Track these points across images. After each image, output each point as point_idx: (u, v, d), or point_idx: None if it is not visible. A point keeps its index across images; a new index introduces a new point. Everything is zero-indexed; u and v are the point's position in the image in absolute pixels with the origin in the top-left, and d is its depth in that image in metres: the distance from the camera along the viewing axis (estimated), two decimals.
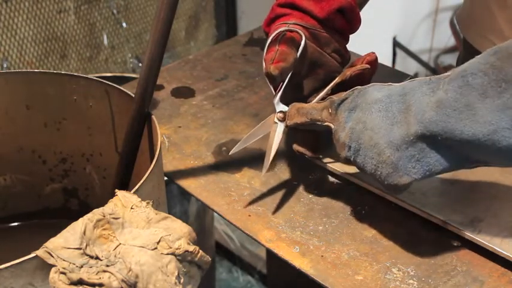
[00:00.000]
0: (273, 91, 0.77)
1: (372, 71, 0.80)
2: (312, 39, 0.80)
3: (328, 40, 0.81)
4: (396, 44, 2.26)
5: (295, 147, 0.78)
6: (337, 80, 0.78)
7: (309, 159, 0.85)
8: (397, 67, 2.24)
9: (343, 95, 0.71)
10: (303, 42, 0.77)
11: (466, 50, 1.03)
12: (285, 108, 0.77)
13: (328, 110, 0.71)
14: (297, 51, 0.77)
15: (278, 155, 0.86)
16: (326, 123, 0.71)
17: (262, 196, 0.80)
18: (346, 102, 0.70)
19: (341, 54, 0.83)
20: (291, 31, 0.78)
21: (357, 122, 0.68)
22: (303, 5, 0.79)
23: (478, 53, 0.96)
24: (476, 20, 0.97)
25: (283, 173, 0.84)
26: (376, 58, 0.80)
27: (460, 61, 1.06)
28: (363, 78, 0.78)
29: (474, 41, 0.98)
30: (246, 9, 2.15)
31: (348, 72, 0.78)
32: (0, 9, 1.56)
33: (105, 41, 1.84)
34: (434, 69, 2.40)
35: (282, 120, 0.76)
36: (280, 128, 0.77)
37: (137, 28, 1.92)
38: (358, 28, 0.83)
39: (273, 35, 0.77)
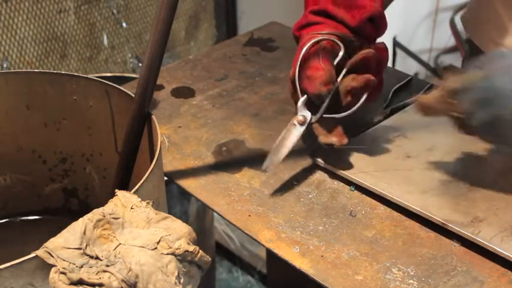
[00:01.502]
0: (299, 95, 0.79)
1: (380, 57, 0.80)
2: (344, 48, 0.80)
3: (358, 48, 0.82)
4: (396, 44, 2.25)
5: (322, 139, 0.79)
6: (344, 70, 0.79)
7: (313, 162, 0.86)
8: (397, 67, 2.24)
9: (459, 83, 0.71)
10: (341, 54, 0.79)
11: (471, 50, 1.02)
12: (307, 113, 0.79)
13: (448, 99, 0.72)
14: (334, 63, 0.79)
15: None
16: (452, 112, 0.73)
17: (262, 196, 0.80)
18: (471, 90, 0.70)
19: (372, 68, 0.84)
20: (329, 40, 0.78)
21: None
22: (336, 14, 0.80)
23: (483, 53, 0.96)
24: (481, 20, 0.97)
25: (283, 173, 0.84)
26: (384, 46, 0.81)
27: (466, 62, 1.05)
28: (368, 64, 0.79)
29: (480, 42, 0.97)
30: (246, 9, 2.15)
31: (352, 59, 0.79)
32: (0, 9, 1.56)
33: (105, 41, 1.84)
34: (435, 69, 2.40)
35: (302, 124, 0.79)
36: (298, 131, 0.79)
37: (137, 28, 1.91)
38: (384, 33, 0.84)
39: (310, 44, 0.78)
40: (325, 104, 0.79)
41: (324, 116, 0.79)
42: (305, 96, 0.79)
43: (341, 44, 0.79)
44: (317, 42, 0.78)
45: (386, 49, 0.82)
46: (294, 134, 0.79)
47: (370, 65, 0.79)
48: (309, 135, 0.90)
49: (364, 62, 0.79)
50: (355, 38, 0.81)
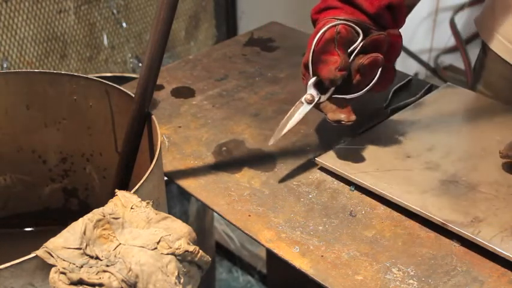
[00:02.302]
0: (310, 74, 0.80)
1: (392, 42, 0.80)
2: (362, 34, 0.80)
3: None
4: None
5: (331, 116, 0.79)
6: (355, 52, 0.80)
7: (313, 162, 0.86)
8: (397, 67, 2.24)
9: None
10: (359, 41, 0.79)
11: (484, 53, 1.02)
12: (315, 92, 0.80)
13: None
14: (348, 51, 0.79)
15: (280, 154, 0.86)
16: None
17: (262, 196, 0.80)
18: None
19: (382, 52, 0.84)
20: (345, 25, 0.78)
21: None
22: None
23: (498, 57, 0.96)
24: (497, 24, 0.96)
25: (283, 173, 0.84)
26: (399, 33, 0.81)
27: (478, 66, 1.05)
28: (379, 46, 0.79)
29: (494, 45, 0.97)
30: (246, 9, 2.15)
31: (364, 41, 0.79)
32: (0, 9, 1.56)
33: (105, 41, 1.84)
34: (435, 69, 2.40)
35: (309, 102, 0.80)
36: (305, 109, 0.80)
37: (137, 28, 1.92)
38: (402, 26, 0.84)
39: (325, 28, 0.78)
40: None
41: (334, 96, 0.80)
42: (316, 77, 0.80)
43: (359, 30, 0.79)
44: (333, 26, 0.78)
45: (400, 36, 0.81)
46: (300, 112, 0.81)
47: (381, 48, 0.79)
48: (310, 135, 0.90)
49: (375, 44, 0.79)
50: (373, 26, 0.80)
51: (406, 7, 0.83)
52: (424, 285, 0.67)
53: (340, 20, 0.79)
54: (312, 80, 0.80)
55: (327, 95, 0.80)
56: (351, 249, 0.72)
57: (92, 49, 1.81)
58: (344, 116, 0.79)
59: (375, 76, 0.79)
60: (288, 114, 0.81)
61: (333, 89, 0.80)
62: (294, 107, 0.81)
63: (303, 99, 0.81)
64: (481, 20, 1.02)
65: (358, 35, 0.79)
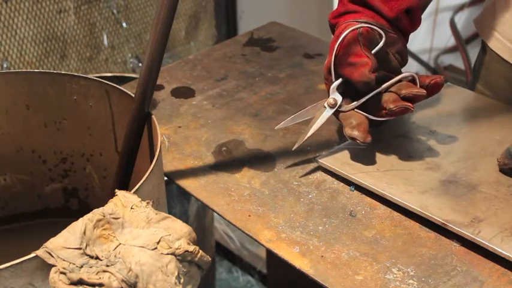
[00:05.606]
0: (333, 79, 0.80)
1: (429, 95, 0.81)
2: (384, 37, 0.81)
3: (395, 40, 0.82)
4: None
5: (348, 131, 0.80)
6: (391, 88, 0.80)
7: (313, 162, 0.86)
8: None
9: None
10: (381, 44, 0.79)
11: (483, 52, 1.01)
12: (338, 97, 0.81)
13: None
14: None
15: (280, 154, 0.86)
16: None
17: (262, 196, 0.80)
18: None
19: (402, 55, 0.84)
20: (367, 27, 0.79)
21: None
22: (374, 3, 0.80)
23: (498, 57, 0.96)
24: (497, 23, 0.96)
25: (283, 173, 0.84)
26: (442, 84, 0.81)
27: (477, 66, 1.05)
28: (415, 99, 0.79)
29: (494, 45, 0.97)
30: (246, 9, 2.15)
31: (403, 91, 0.79)
32: (0, 9, 1.56)
33: (105, 41, 1.84)
34: (435, 69, 2.40)
35: (332, 106, 0.81)
36: (327, 113, 0.81)
37: (137, 28, 1.91)
38: (417, 29, 0.84)
39: (348, 31, 0.78)
40: (363, 99, 0.80)
41: (356, 110, 0.81)
42: (339, 80, 0.80)
43: (382, 33, 0.79)
44: (355, 29, 0.78)
45: (442, 85, 0.82)
46: (323, 117, 0.82)
47: (416, 100, 0.80)
48: (310, 135, 0.90)
49: (412, 97, 0.79)
50: (391, 30, 0.81)
51: (421, 9, 0.83)
52: (424, 285, 0.67)
53: (361, 22, 0.79)
54: (336, 83, 0.80)
55: (350, 107, 0.81)
56: (351, 249, 0.72)
57: (92, 49, 1.81)
58: (361, 135, 0.79)
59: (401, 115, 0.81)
60: (296, 114, 0.83)
61: (356, 102, 0.80)
62: (315, 109, 0.82)
63: (325, 103, 0.81)
64: (481, 20, 1.02)
65: (380, 37, 0.80)
